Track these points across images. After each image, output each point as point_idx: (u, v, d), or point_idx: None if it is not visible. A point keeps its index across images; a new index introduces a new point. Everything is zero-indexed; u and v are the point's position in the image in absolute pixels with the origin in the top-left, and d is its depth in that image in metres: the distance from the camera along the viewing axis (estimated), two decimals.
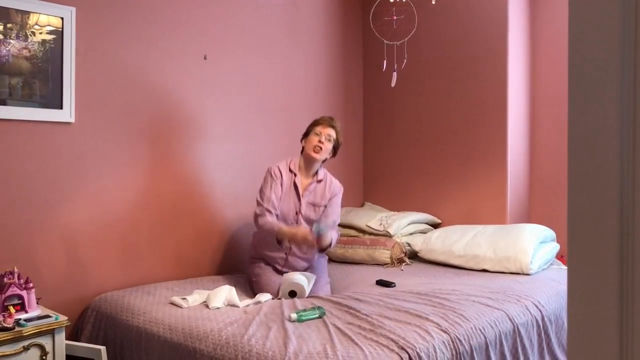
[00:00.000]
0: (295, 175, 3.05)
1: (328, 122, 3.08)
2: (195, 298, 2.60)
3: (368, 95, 4.41)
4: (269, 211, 2.95)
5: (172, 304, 2.58)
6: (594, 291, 0.75)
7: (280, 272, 3.00)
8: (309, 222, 2.99)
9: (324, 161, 3.12)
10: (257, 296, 2.72)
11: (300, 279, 2.80)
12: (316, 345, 2.01)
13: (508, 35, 3.66)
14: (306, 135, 3.10)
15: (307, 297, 2.82)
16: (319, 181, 3.09)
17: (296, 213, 3.02)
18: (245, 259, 3.34)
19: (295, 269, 3.02)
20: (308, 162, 3.07)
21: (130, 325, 2.48)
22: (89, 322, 2.68)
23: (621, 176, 0.72)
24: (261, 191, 3.03)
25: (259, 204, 2.99)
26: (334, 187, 3.12)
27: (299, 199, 3.03)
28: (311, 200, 3.05)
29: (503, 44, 3.68)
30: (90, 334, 2.65)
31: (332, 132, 3.06)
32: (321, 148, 3.01)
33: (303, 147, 3.10)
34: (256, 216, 2.97)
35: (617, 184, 0.73)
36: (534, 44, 3.91)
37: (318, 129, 3.05)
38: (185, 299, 2.58)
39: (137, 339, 2.42)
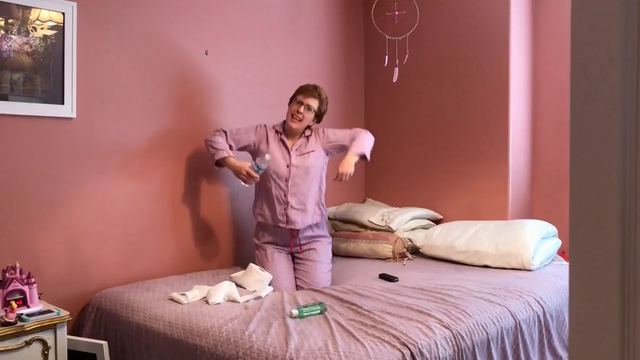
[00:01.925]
0: (281, 134, 3.13)
1: (311, 92, 3.11)
2: (194, 294, 2.60)
3: (369, 90, 4.41)
4: (225, 133, 3.08)
5: (172, 300, 2.58)
6: (595, 287, 0.75)
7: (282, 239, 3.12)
8: (303, 168, 3.07)
9: (307, 128, 3.18)
10: (258, 291, 2.72)
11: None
12: (317, 342, 2.01)
13: (510, 31, 3.65)
14: (291, 100, 3.17)
15: (307, 289, 2.90)
16: (308, 136, 3.16)
17: (287, 166, 3.07)
18: (246, 253, 3.39)
19: (294, 223, 3.06)
20: (290, 128, 3.13)
21: (131, 322, 2.48)
22: (90, 318, 2.68)
23: (623, 172, 0.72)
24: (235, 128, 3.16)
25: (220, 129, 3.12)
26: (320, 130, 3.20)
27: (288, 152, 3.09)
28: (299, 152, 3.11)
29: (505, 39, 3.67)
30: (91, 331, 2.66)
31: (314, 102, 3.10)
32: (300, 118, 3.07)
33: (286, 118, 3.17)
34: (216, 132, 3.11)
35: (619, 180, 0.72)
36: (536, 39, 3.89)
37: (300, 97, 3.11)
38: (184, 294, 2.58)
39: (138, 335, 2.43)
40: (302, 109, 3.06)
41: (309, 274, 3.05)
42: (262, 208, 3.15)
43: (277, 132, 3.15)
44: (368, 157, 3.13)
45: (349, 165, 3.00)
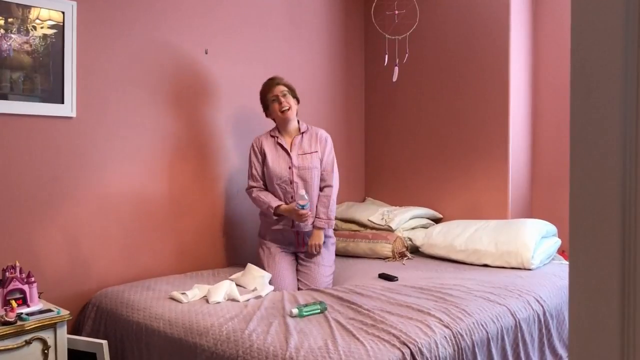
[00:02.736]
0: (277, 137, 3.16)
1: (274, 83, 3.15)
2: (195, 293, 2.60)
3: (369, 89, 4.41)
4: (255, 187, 3.16)
5: (172, 298, 2.58)
6: (595, 287, 0.75)
7: (287, 240, 3.15)
8: (305, 170, 3.10)
9: (299, 121, 3.21)
10: (258, 290, 2.72)
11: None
12: (317, 341, 2.01)
13: (510, 29, 3.65)
14: (266, 108, 3.19)
15: (307, 289, 2.89)
16: (303, 133, 3.18)
17: (289, 168, 3.09)
18: (246, 252, 3.41)
19: (300, 225, 3.09)
20: (284, 124, 3.16)
21: (131, 321, 2.48)
22: (90, 317, 2.69)
23: (623, 171, 0.72)
24: (248, 170, 3.22)
25: (248, 180, 3.20)
26: (320, 136, 3.21)
27: (288, 154, 3.11)
28: (301, 151, 3.13)
29: (505, 37, 3.67)
30: (91, 329, 2.66)
31: (282, 87, 3.13)
32: (288, 106, 3.10)
33: (273, 119, 3.20)
34: (249, 192, 3.19)
35: (619, 179, 0.72)
36: (537, 38, 3.89)
37: (270, 95, 3.14)
38: (184, 293, 2.58)
39: (138, 334, 2.43)
40: (281, 99, 3.10)
41: (311, 277, 3.06)
42: (264, 227, 3.18)
43: (272, 136, 3.17)
44: (330, 228, 3.18)
45: (318, 238, 3.11)
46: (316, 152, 3.14)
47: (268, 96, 3.14)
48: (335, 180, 3.19)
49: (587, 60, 0.75)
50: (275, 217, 3.08)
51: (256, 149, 3.16)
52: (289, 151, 3.11)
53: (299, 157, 3.11)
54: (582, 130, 0.76)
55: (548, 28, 3.84)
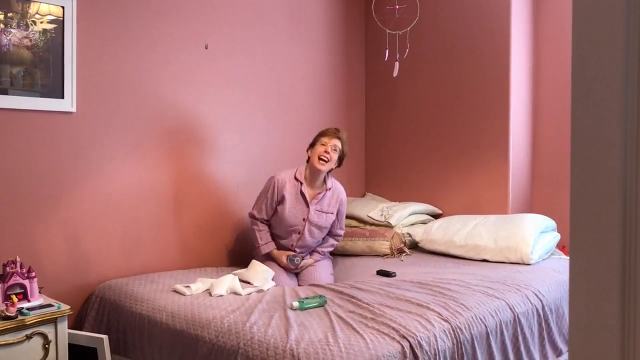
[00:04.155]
0: (301, 184, 3.12)
1: (334, 133, 3.14)
2: (198, 286, 2.61)
3: (370, 85, 4.40)
4: (259, 220, 3.17)
5: (175, 291, 2.60)
6: (596, 282, 0.75)
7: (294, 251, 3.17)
8: (317, 227, 3.13)
9: (329, 171, 3.17)
10: (260, 285, 2.73)
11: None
12: (318, 333, 2.02)
13: (511, 25, 3.65)
14: (312, 145, 3.15)
15: (308, 285, 2.90)
16: (328, 189, 3.17)
17: (304, 220, 3.10)
18: (248, 249, 3.40)
19: (309, 247, 3.19)
20: (313, 172, 3.11)
21: (134, 312, 2.49)
22: (93, 308, 2.70)
23: (624, 168, 0.72)
24: (259, 198, 3.20)
25: (254, 208, 3.21)
26: (340, 199, 3.23)
27: (307, 206, 3.10)
28: (319, 208, 3.14)
29: (506, 33, 3.66)
30: (94, 321, 2.67)
31: (338, 143, 3.11)
32: (327, 159, 3.07)
33: (309, 157, 3.15)
34: (251, 219, 3.22)
35: (620, 175, 0.73)
36: (537, 34, 3.89)
37: (324, 139, 3.11)
38: (188, 286, 2.60)
39: (140, 326, 2.44)
40: (329, 149, 3.07)
41: (311, 276, 3.08)
42: (273, 241, 3.21)
43: (297, 180, 3.13)
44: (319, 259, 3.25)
45: (308, 264, 3.16)
46: (332, 213, 3.17)
47: (322, 138, 3.12)
48: (342, 232, 3.31)
49: (588, 57, 0.75)
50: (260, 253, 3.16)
51: (276, 188, 3.11)
52: (309, 203, 3.11)
53: (316, 213, 3.12)
54: (583, 126, 0.76)
55: (549, 24, 3.84)
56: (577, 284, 0.78)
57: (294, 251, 3.14)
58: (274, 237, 3.19)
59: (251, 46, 3.56)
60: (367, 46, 4.40)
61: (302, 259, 3.11)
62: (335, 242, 3.31)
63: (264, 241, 3.15)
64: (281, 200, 3.10)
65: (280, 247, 3.17)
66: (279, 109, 3.70)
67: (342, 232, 3.32)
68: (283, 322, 2.15)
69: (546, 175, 3.87)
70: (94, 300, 2.72)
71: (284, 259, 3.09)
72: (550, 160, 3.84)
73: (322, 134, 3.15)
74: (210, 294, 2.55)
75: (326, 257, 3.30)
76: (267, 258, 3.14)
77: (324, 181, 3.17)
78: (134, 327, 2.48)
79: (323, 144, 3.08)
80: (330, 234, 3.26)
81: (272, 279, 2.87)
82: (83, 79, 2.77)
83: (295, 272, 3.15)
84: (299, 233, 3.11)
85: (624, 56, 0.71)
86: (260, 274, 2.84)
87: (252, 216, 3.20)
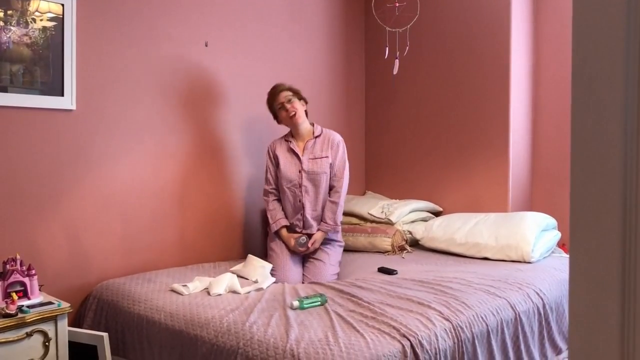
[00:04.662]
0: (290, 142, 3.23)
1: (278, 90, 3.22)
2: (195, 285, 2.61)
3: (370, 82, 4.40)
4: (270, 192, 3.24)
5: (173, 291, 2.59)
6: (596, 281, 0.75)
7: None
8: (314, 175, 3.16)
9: (311, 124, 3.28)
10: (259, 281, 2.73)
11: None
12: (318, 333, 2.02)
13: (511, 22, 3.64)
14: (275, 117, 3.27)
15: (309, 282, 2.91)
16: (317, 136, 3.24)
17: (300, 172, 3.16)
18: (248, 245, 3.45)
19: (311, 228, 3.18)
20: (295, 128, 3.24)
21: (132, 313, 2.49)
22: (91, 309, 2.69)
23: (624, 166, 0.72)
24: (265, 173, 3.31)
25: (264, 184, 3.29)
26: (333, 140, 3.25)
27: (299, 158, 3.18)
28: (311, 155, 3.19)
29: (506, 30, 3.65)
30: (92, 321, 2.66)
31: (287, 93, 3.21)
32: (294, 111, 3.16)
33: (286, 125, 3.27)
34: (264, 199, 3.29)
35: (620, 173, 0.72)
36: (538, 31, 3.88)
37: (276, 103, 3.22)
38: (185, 285, 2.59)
39: (139, 326, 2.43)
40: (286, 105, 3.17)
41: (315, 272, 3.07)
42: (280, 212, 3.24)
43: (286, 140, 3.24)
44: (337, 233, 3.25)
45: (319, 238, 3.16)
46: (327, 157, 3.19)
47: (274, 105, 3.22)
48: (344, 186, 3.23)
49: (589, 55, 0.75)
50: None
51: (270, 153, 3.26)
52: (300, 155, 3.18)
53: (309, 161, 3.17)
54: (583, 125, 0.75)
55: (549, 22, 3.83)
56: (577, 282, 0.77)
57: (302, 207, 3.15)
58: (283, 209, 3.23)
59: (251, 44, 3.55)
60: (367, 44, 4.39)
61: (309, 237, 3.12)
62: (336, 202, 3.18)
63: (273, 220, 3.20)
64: (277, 162, 3.20)
65: (289, 216, 3.20)
66: None
67: (337, 184, 3.20)
68: (283, 321, 2.14)
69: (546, 174, 3.86)
70: (92, 301, 2.72)
71: (292, 242, 3.11)
72: (551, 159, 3.83)
73: (269, 101, 3.25)
74: (208, 293, 2.54)
75: (336, 241, 3.26)
76: (278, 237, 3.19)
77: (313, 132, 3.25)
78: (132, 327, 2.47)
79: (279, 105, 3.20)
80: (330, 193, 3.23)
81: (276, 273, 2.86)
82: (83, 76, 2.76)
83: (306, 252, 3.16)
84: (300, 186, 3.15)
85: (624, 55, 0.71)
86: (258, 269, 2.84)
87: (264, 193, 3.28)
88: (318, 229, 3.17)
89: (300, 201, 3.15)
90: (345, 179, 3.23)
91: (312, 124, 3.28)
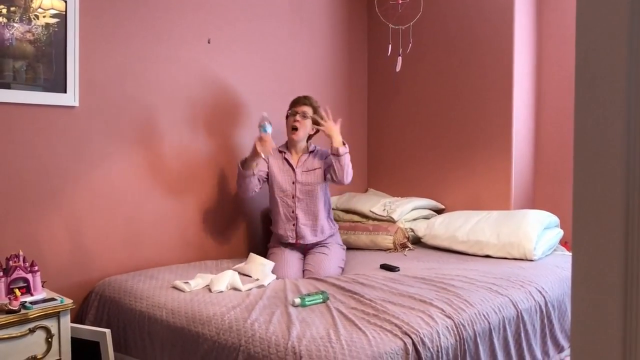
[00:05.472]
0: (284, 152, 3.25)
1: (302, 100, 3.24)
2: (197, 282, 2.61)
3: (372, 80, 4.39)
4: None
5: (175, 287, 2.59)
6: (598, 279, 0.75)
7: (294, 247, 3.20)
8: (308, 186, 3.18)
9: (309, 139, 3.29)
10: (261, 279, 2.73)
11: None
12: (319, 330, 2.02)
13: (514, 19, 3.63)
14: (286, 117, 3.29)
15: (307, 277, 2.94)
16: (311, 152, 3.27)
17: (293, 182, 3.19)
18: (250, 242, 3.47)
19: (304, 238, 3.17)
20: (292, 141, 3.25)
21: (134, 310, 2.49)
22: (93, 306, 2.70)
23: (627, 164, 0.72)
24: None
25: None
26: (324, 152, 3.27)
27: (294, 170, 3.20)
28: (305, 169, 3.21)
29: (509, 27, 3.64)
30: (94, 318, 2.67)
31: (307, 109, 3.21)
32: (297, 128, 3.17)
33: (286, 133, 3.28)
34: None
35: (623, 172, 0.72)
36: (541, 28, 3.87)
37: (294, 109, 3.24)
38: (187, 282, 2.59)
39: (141, 323, 2.44)
40: (297, 117, 3.17)
41: (318, 266, 3.07)
42: (276, 227, 3.25)
43: (280, 152, 3.26)
44: (342, 151, 3.08)
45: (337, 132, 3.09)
46: (319, 168, 3.21)
47: (291, 108, 3.24)
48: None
49: (592, 52, 0.74)
50: (246, 171, 3.07)
51: (264, 161, 3.21)
52: (294, 167, 3.20)
53: (303, 173, 3.20)
54: (586, 123, 0.75)
55: (553, 19, 3.82)
56: (579, 281, 0.77)
57: (295, 219, 3.15)
58: (277, 222, 3.22)
59: (253, 40, 3.55)
60: (369, 41, 4.38)
61: (269, 123, 3.02)
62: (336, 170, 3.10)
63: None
64: (270, 169, 3.21)
65: (282, 229, 3.19)
66: (280, 103, 3.68)
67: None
68: (284, 318, 2.14)
69: (549, 171, 3.86)
70: (94, 297, 2.72)
71: (255, 142, 3.01)
72: (553, 156, 3.82)
73: (291, 104, 3.27)
74: (210, 290, 2.55)
75: (337, 243, 3.27)
76: (244, 161, 3.08)
77: (308, 148, 3.27)
78: (134, 324, 2.47)
79: (293, 113, 3.21)
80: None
81: (274, 269, 2.87)
82: (86, 73, 2.77)
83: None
84: (292, 197, 3.17)
85: (627, 54, 0.71)
86: (260, 267, 2.84)
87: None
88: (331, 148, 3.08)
89: (293, 212, 3.18)
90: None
91: (309, 144, 3.29)
